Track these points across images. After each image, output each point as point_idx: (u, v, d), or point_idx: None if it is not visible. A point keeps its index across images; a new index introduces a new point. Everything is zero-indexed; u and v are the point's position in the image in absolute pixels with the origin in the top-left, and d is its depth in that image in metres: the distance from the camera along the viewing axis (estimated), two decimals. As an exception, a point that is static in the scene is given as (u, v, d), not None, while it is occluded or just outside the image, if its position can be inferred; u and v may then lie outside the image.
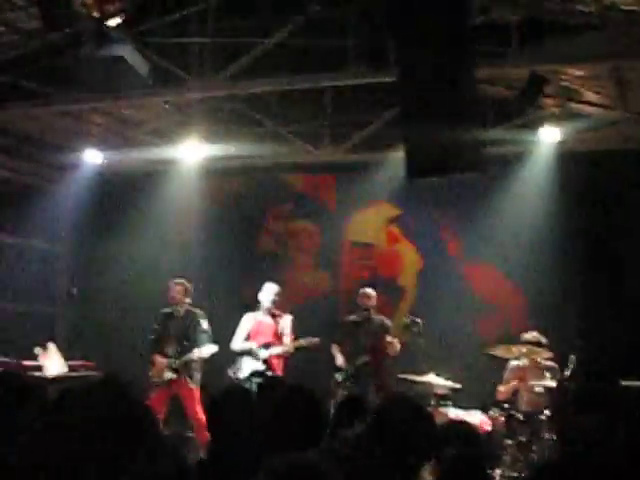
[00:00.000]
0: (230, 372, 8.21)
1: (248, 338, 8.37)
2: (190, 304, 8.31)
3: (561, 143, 9.00)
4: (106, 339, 10.05)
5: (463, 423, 4.26)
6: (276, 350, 8.23)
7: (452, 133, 5.30)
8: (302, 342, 8.14)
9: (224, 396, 3.50)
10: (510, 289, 9.46)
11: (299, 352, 8.23)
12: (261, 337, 8.34)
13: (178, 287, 8.30)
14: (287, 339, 8.29)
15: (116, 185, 10.57)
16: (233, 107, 9.54)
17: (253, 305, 8.55)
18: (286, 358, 8.34)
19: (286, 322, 8.37)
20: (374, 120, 9.37)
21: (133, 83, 6.59)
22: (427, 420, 2.99)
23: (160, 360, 8.09)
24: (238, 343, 8.35)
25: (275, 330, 8.37)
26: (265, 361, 8.18)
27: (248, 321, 8.45)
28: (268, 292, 8.44)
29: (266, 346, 8.24)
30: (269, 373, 8.08)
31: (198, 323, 8.15)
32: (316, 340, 8.08)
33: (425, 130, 5.35)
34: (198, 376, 8.14)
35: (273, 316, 8.43)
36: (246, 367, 8.18)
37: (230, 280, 10.11)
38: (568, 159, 8.96)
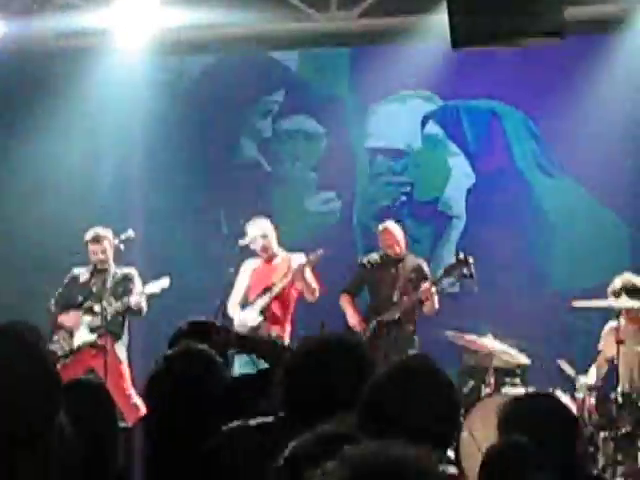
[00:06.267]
0: None
1: (247, 296, 8.48)
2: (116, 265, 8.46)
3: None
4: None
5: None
6: (275, 290, 8.28)
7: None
8: (301, 261, 8.20)
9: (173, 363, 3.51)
10: (602, 215, 9.58)
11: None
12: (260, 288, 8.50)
13: (97, 246, 8.30)
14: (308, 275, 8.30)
15: (23, 68, 10.45)
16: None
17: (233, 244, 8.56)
18: (289, 303, 8.39)
19: (298, 262, 8.37)
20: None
21: None
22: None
23: (73, 316, 8.19)
24: (233, 305, 8.41)
25: (275, 273, 8.44)
26: (263, 312, 8.30)
27: (247, 272, 8.49)
28: (253, 232, 8.43)
29: (263, 292, 8.38)
30: (272, 333, 8.14)
31: (131, 283, 8.27)
32: (319, 253, 8.22)
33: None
34: (126, 342, 8.27)
35: (271, 260, 8.52)
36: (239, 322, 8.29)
37: (199, 208, 10.42)
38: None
